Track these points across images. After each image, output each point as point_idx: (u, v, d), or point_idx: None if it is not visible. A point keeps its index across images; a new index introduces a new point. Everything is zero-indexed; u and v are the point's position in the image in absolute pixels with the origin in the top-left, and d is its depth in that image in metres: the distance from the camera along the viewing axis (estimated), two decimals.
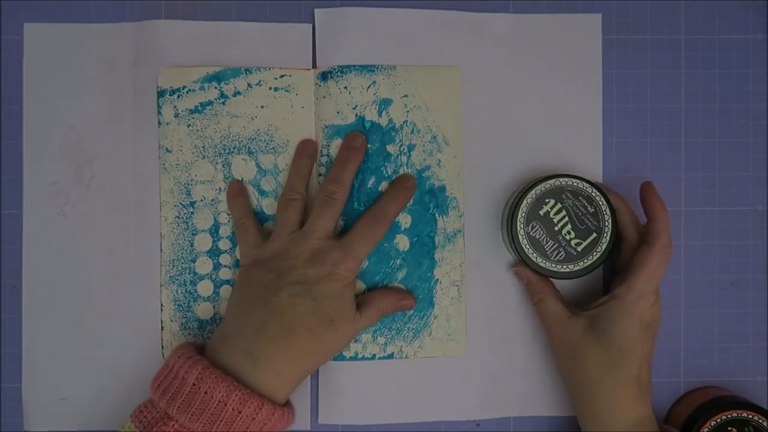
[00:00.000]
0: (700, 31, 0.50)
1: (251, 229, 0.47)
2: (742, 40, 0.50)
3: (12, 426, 0.49)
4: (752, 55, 0.50)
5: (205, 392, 0.40)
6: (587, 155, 0.49)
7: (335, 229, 0.46)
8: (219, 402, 0.40)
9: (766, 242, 0.50)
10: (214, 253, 0.49)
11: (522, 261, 0.46)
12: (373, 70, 0.48)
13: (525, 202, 0.45)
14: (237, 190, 0.48)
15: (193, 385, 0.40)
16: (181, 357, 0.42)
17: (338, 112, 0.49)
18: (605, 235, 0.45)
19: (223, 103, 0.49)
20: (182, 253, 0.49)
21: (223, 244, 0.49)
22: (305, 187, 0.47)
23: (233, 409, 0.40)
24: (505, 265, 0.49)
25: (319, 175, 0.49)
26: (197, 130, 0.49)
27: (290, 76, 0.49)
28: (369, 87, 0.48)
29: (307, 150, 0.48)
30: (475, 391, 0.49)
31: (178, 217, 0.49)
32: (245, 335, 0.43)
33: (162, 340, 0.48)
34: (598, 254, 0.45)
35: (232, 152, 0.49)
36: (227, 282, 0.49)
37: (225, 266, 0.49)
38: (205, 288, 0.49)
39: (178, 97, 0.48)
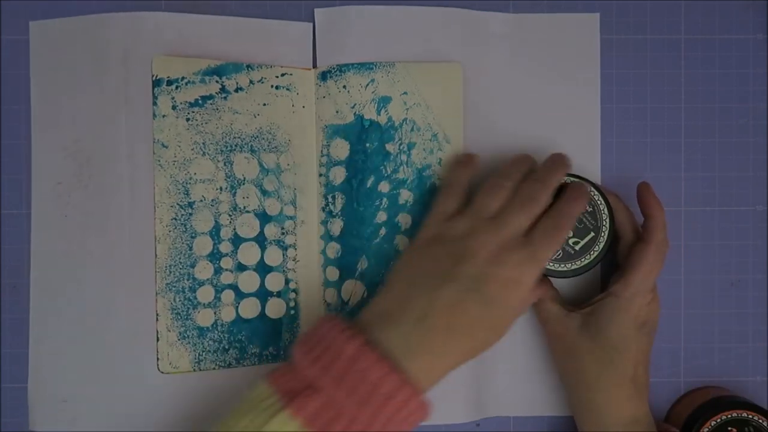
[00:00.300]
0: (700, 31, 0.50)
1: (456, 198, 0.45)
2: (742, 40, 0.50)
3: (13, 426, 0.49)
4: (752, 55, 0.50)
5: (361, 370, 0.37)
6: (586, 154, 0.49)
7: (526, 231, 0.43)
8: (373, 384, 0.37)
9: (766, 242, 0.50)
10: (214, 256, 0.48)
11: None
12: (372, 68, 0.48)
13: None
14: (469, 159, 0.47)
15: (350, 359, 0.38)
16: (335, 327, 0.39)
17: (337, 112, 0.49)
18: (603, 233, 0.45)
19: (225, 98, 0.48)
20: (180, 258, 0.48)
21: (225, 247, 0.48)
22: (517, 180, 0.44)
23: (385, 393, 0.37)
24: None
25: (320, 175, 0.49)
26: (197, 125, 0.48)
27: (291, 75, 0.49)
28: (367, 85, 0.48)
29: (528, 160, 0.46)
30: (475, 393, 0.49)
31: (175, 219, 0.48)
32: (406, 319, 0.40)
33: (158, 351, 0.47)
34: (596, 253, 0.45)
35: (234, 150, 0.48)
36: (229, 286, 0.48)
37: (226, 270, 0.48)
38: (205, 294, 0.48)
39: (177, 88, 0.47)
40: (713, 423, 0.46)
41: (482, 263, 0.41)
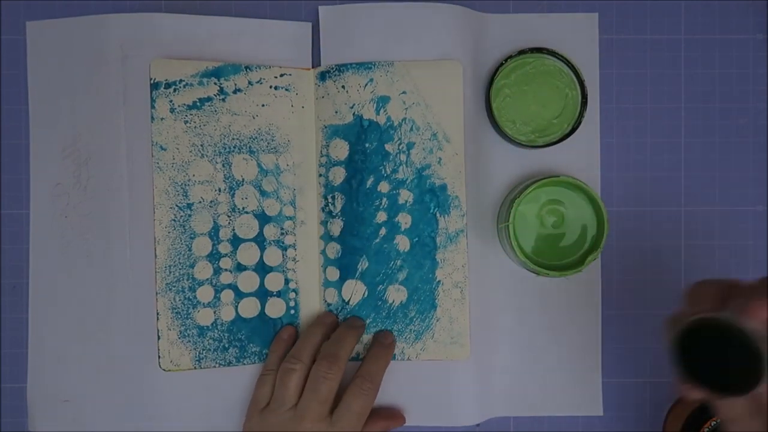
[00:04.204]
0: (700, 31, 0.50)
1: (268, 387, 0.46)
2: (742, 40, 0.50)
3: (12, 426, 0.49)
4: (752, 55, 0.50)
5: None
6: (586, 154, 0.49)
7: (330, 407, 0.45)
8: None
9: (766, 242, 0.50)
10: (214, 257, 0.48)
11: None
12: (371, 68, 0.48)
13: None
14: (287, 336, 0.48)
15: None
16: None
17: (336, 112, 0.48)
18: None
19: (223, 99, 0.48)
20: (179, 259, 0.48)
21: (224, 248, 0.48)
22: (310, 356, 0.46)
23: None
24: (510, 266, 0.49)
25: (319, 175, 0.49)
26: (195, 127, 0.48)
27: (290, 75, 0.49)
28: (366, 85, 0.48)
29: (325, 321, 0.48)
30: (477, 394, 0.49)
31: (175, 220, 0.48)
32: None
33: (159, 350, 0.48)
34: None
35: (233, 151, 0.48)
36: (228, 286, 0.48)
37: (226, 270, 0.48)
38: (205, 293, 0.48)
39: (174, 91, 0.47)
40: (713, 423, 0.46)
41: None
